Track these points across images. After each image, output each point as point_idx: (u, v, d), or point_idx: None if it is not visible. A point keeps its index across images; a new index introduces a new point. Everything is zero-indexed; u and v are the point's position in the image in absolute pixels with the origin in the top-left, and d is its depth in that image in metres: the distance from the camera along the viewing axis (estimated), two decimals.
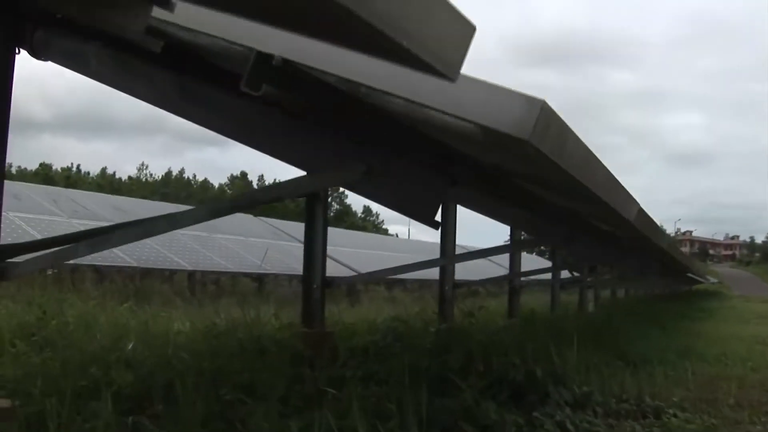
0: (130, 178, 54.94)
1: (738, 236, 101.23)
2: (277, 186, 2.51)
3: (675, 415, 2.78)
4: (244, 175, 54.05)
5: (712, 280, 17.41)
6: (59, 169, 49.90)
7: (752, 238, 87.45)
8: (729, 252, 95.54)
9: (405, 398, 2.79)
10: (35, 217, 9.67)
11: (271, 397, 2.61)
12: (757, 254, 70.66)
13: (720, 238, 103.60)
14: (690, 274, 14.26)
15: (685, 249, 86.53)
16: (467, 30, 0.93)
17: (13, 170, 42.44)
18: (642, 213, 2.56)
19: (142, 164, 67.85)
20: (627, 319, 8.08)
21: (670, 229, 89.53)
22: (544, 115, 1.07)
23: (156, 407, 2.71)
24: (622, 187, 2.06)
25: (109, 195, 16.57)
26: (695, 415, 2.80)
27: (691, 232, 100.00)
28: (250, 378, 3.12)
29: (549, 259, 16.35)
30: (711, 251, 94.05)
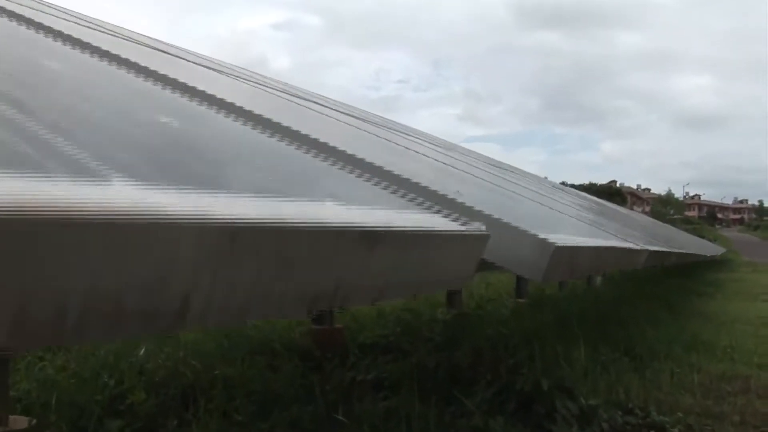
0: None
1: (747, 200, 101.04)
2: None
3: None
4: None
5: (721, 251, 17.37)
6: None
7: (761, 202, 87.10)
8: (737, 216, 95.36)
9: (413, 413, 2.84)
10: None
11: (282, 422, 2.66)
12: (766, 218, 70.35)
13: (729, 201, 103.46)
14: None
15: (693, 213, 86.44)
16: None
17: None
18: (651, 255, 2.57)
19: None
20: (633, 298, 8.12)
21: (678, 193, 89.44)
22: (555, 257, 1.07)
23: (169, 425, 2.77)
24: (629, 249, 2.07)
25: None
26: None
27: (699, 195, 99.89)
28: (262, 389, 3.17)
29: None
30: (719, 215, 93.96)
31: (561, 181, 72.88)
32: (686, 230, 26.28)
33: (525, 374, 3.32)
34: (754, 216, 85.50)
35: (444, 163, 3.35)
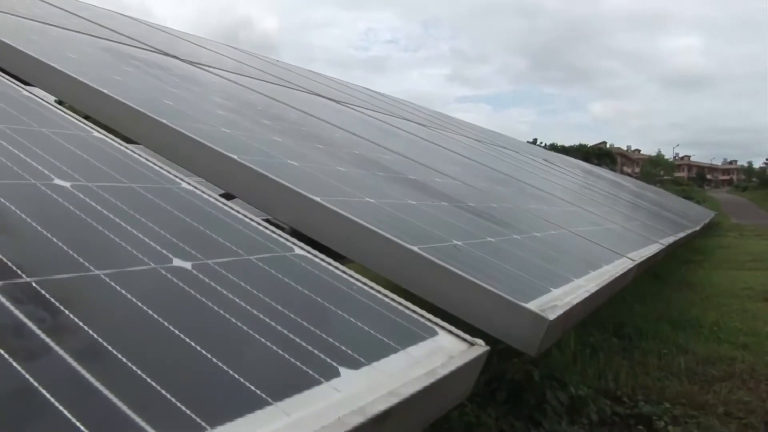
0: None
1: (736, 161, 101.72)
2: None
3: (665, 429, 2.90)
4: None
5: (710, 215, 17.51)
6: None
7: (750, 163, 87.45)
8: (726, 177, 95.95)
9: None
10: None
11: None
12: (755, 180, 70.66)
13: (718, 162, 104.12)
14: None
15: (683, 174, 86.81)
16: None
17: None
18: (638, 267, 2.61)
19: None
20: None
21: (668, 154, 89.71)
22: (550, 330, 1.10)
23: None
24: (618, 277, 2.10)
25: None
26: (685, 428, 2.93)
27: (689, 156, 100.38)
28: None
29: None
30: (709, 176, 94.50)
31: (552, 142, 72.78)
32: (675, 192, 26.45)
33: (516, 362, 3.38)
34: (742, 177, 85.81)
35: (429, 168, 3.37)
